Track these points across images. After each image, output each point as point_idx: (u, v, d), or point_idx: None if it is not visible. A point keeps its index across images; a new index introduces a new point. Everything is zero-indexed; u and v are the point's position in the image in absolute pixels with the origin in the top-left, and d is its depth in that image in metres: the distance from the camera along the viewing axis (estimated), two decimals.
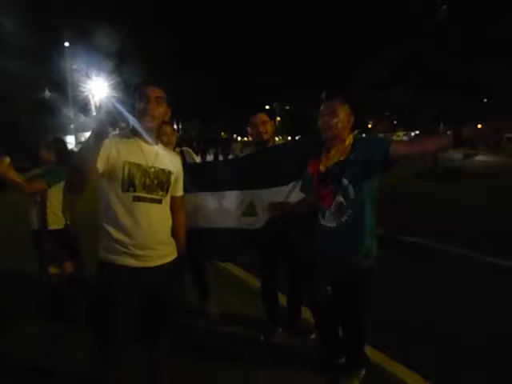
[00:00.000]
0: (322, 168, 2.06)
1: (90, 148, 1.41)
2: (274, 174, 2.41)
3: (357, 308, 2.12)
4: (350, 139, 2.01)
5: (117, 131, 1.73)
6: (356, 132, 2.08)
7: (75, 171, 1.43)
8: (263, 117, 2.54)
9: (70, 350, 2.48)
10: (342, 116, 1.97)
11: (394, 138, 46.54)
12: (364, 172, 1.91)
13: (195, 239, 2.15)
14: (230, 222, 2.53)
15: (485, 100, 20.43)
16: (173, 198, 1.83)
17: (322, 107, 2.03)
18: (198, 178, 2.39)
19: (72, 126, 24.00)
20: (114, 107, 1.42)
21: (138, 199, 1.63)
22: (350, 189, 1.95)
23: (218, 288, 3.43)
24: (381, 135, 46.18)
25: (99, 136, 1.39)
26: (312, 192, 2.13)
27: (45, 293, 2.96)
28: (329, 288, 2.09)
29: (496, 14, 11.52)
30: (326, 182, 2.02)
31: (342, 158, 1.97)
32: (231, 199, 2.54)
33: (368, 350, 2.33)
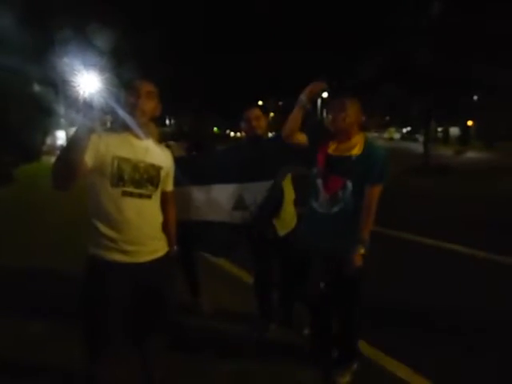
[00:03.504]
0: (331, 152, 2.10)
1: (78, 142, 1.37)
2: (265, 168, 2.40)
3: (352, 302, 2.15)
4: (360, 138, 2.07)
5: (108, 125, 1.71)
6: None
7: (62, 166, 1.40)
8: (257, 111, 2.53)
9: (65, 347, 2.44)
10: (351, 111, 2.03)
11: (386, 134, 46.83)
12: (364, 175, 2.00)
13: (186, 233, 2.13)
14: (221, 216, 2.51)
15: (475, 97, 20.63)
16: (163, 193, 1.81)
17: (331, 102, 2.09)
18: (186, 171, 2.36)
19: (63, 120, 23.67)
20: (105, 101, 1.39)
21: (127, 194, 1.61)
22: (350, 187, 2.02)
23: (210, 284, 3.42)
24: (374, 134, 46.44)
25: (88, 130, 1.36)
26: (318, 172, 2.15)
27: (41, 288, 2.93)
28: (322, 284, 2.11)
29: (489, 9, 11.59)
30: (333, 171, 2.07)
31: (351, 155, 2.03)
32: (220, 193, 2.52)
33: (360, 344, 2.34)
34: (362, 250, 2.00)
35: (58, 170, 1.40)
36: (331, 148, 2.12)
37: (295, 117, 2.13)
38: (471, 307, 2.97)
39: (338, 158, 2.08)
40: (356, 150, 2.04)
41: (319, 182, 2.13)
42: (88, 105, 1.36)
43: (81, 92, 1.42)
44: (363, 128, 2.16)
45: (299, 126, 2.14)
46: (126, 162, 1.60)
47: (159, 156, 1.75)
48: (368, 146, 2.05)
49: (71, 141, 1.38)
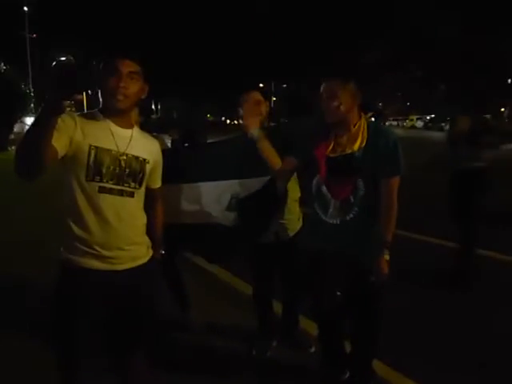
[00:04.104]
0: (331, 154, 2.06)
1: (44, 123, 1.32)
2: (264, 162, 2.38)
3: (373, 316, 2.15)
4: (362, 124, 2.02)
5: (84, 109, 1.69)
6: (369, 115, 2.11)
7: (25, 152, 1.37)
8: (256, 96, 2.50)
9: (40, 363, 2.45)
10: (344, 98, 1.97)
11: (407, 122, 46.68)
12: (376, 169, 1.97)
13: (172, 237, 2.13)
14: (214, 217, 2.51)
15: (509, 81, 20.59)
16: (149, 190, 1.80)
17: (321, 89, 2.04)
18: (174, 166, 2.35)
19: (32, 105, 23.65)
20: (80, 80, 1.36)
21: (104, 191, 1.59)
22: (361, 188, 2.00)
23: (203, 295, 3.42)
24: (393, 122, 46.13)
25: (57, 109, 1.30)
26: (319, 179, 2.14)
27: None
28: (338, 293, 2.11)
29: None
30: (338, 173, 2.04)
31: (354, 148, 1.99)
32: (213, 191, 2.51)
33: (375, 364, 2.34)
34: (388, 256, 1.99)
35: (22, 157, 1.38)
36: (329, 149, 2.06)
37: (268, 151, 2.19)
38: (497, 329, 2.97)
39: (340, 159, 2.02)
40: (358, 143, 1.99)
41: (324, 189, 2.11)
42: (64, 80, 1.30)
43: (54, 67, 1.37)
44: (380, 116, 2.13)
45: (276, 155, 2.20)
46: (105, 153, 1.58)
47: (145, 148, 1.73)
48: (372, 133, 2.00)
49: (36, 122, 1.34)
